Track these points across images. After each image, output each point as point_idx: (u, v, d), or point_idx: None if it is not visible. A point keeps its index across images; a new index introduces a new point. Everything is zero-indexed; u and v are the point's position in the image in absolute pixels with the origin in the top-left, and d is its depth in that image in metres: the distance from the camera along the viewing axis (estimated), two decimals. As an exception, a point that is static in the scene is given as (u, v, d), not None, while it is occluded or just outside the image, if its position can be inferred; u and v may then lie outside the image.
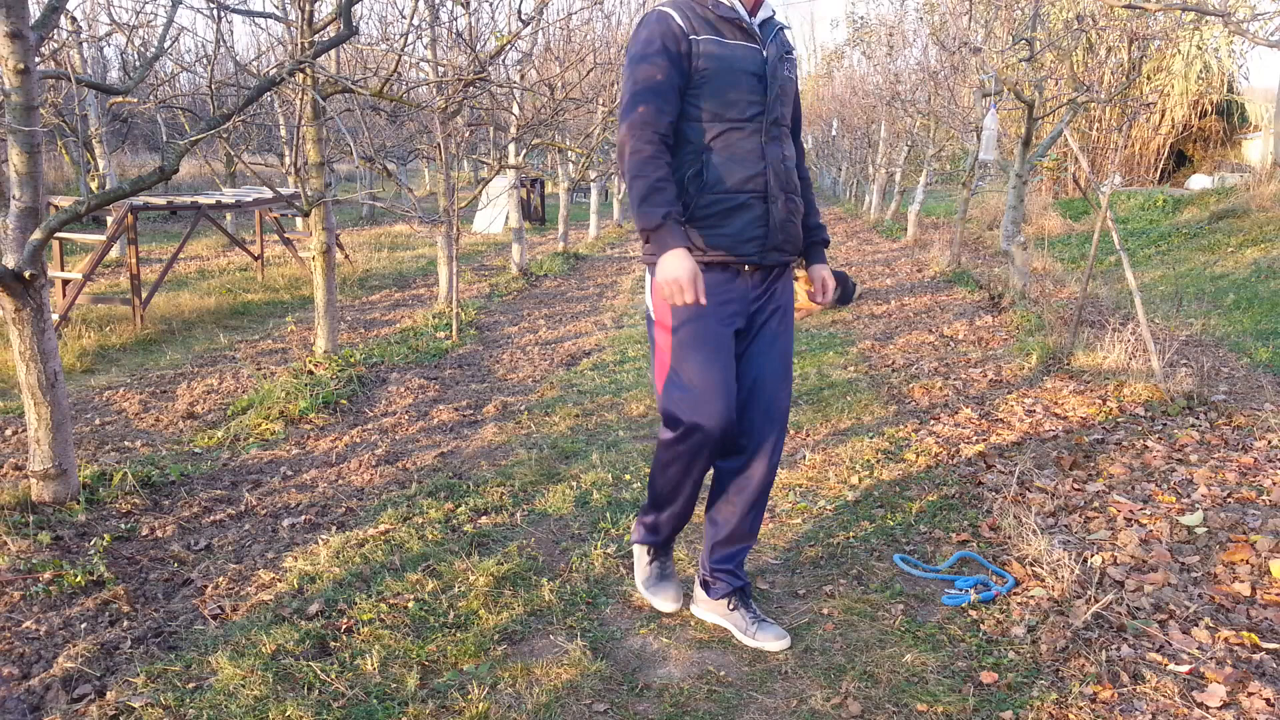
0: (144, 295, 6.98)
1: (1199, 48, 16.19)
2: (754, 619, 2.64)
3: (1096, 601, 2.67)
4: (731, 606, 2.67)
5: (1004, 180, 11.58)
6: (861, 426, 4.56)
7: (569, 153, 11.55)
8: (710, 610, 2.71)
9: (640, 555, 2.84)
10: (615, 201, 17.59)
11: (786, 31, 2.60)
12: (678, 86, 2.37)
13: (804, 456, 4.14)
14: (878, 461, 4.04)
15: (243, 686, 2.35)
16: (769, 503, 3.66)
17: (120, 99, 4.43)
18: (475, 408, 4.95)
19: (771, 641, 2.60)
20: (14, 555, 3.00)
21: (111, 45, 12.96)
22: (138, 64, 4.82)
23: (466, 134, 7.54)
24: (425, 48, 7.01)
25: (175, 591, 2.94)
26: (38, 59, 3.25)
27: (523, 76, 9.03)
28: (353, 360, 5.60)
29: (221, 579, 2.99)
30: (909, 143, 14.52)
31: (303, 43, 4.78)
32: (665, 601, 2.78)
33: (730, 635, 2.66)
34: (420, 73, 8.04)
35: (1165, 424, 4.28)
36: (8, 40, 3.05)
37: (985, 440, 4.22)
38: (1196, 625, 2.57)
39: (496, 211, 14.60)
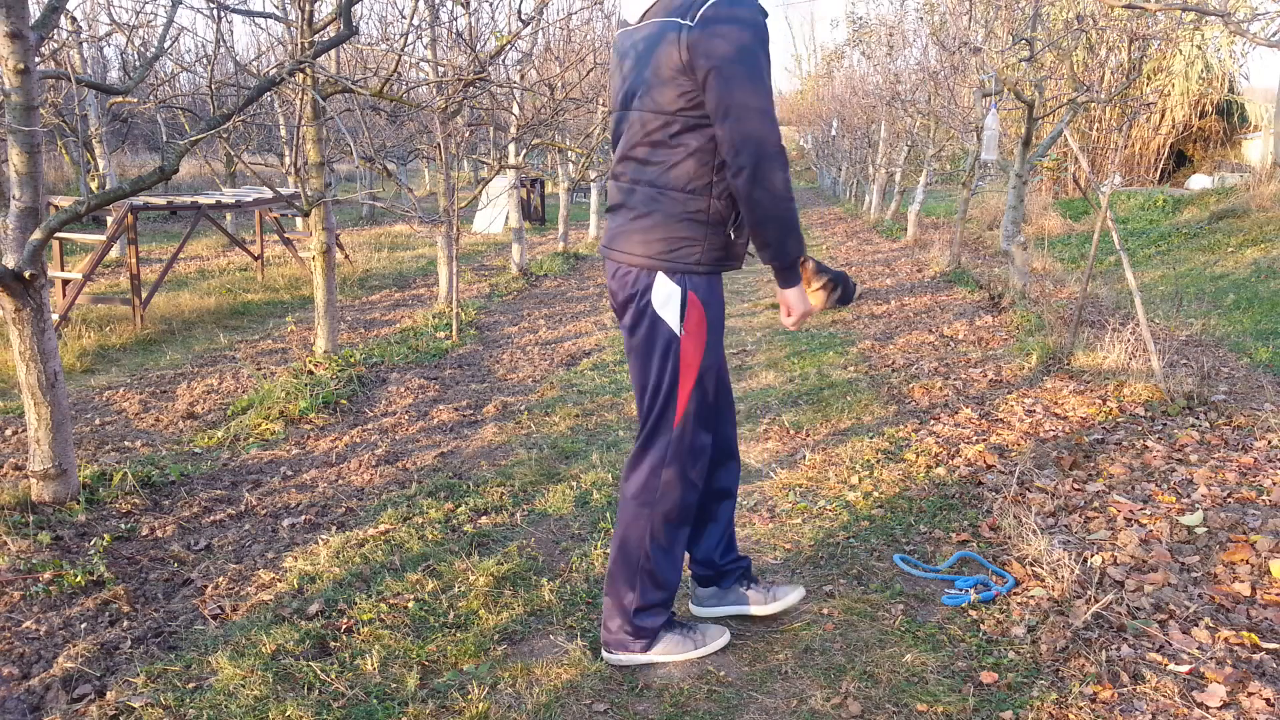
0: (144, 295, 6.98)
1: (1199, 48, 16.19)
2: (766, 587, 2.69)
3: (1096, 601, 2.67)
4: (746, 587, 2.70)
5: (1004, 180, 11.60)
6: (861, 426, 4.56)
7: (569, 153, 11.55)
8: (723, 601, 2.70)
9: (667, 643, 2.52)
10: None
11: None
12: None
13: (804, 456, 4.14)
14: (878, 461, 4.04)
15: (243, 686, 2.35)
16: (770, 503, 3.67)
17: (120, 99, 4.43)
18: (475, 408, 4.95)
19: (792, 594, 2.68)
20: (14, 555, 3.00)
21: (111, 45, 12.97)
22: (138, 64, 4.82)
23: (466, 134, 7.54)
24: (425, 48, 7.01)
25: (175, 591, 2.94)
26: (38, 59, 3.25)
27: (523, 76, 9.03)
28: (353, 360, 5.60)
29: (221, 579, 2.99)
30: (909, 143, 14.51)
31: (303, 43, 4.78)
32: (722, 637, 2.61)
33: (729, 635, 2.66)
34: (420, 73, 8.04)
35: (1165, 424, 4.27)
36: (8, 40, 3.05)
37: (985, 440, 4.22)
38: (1196, 625, 2.57)
39: (496, 211, 14.59)
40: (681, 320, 2.28)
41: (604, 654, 2.52)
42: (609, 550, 2.52)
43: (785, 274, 2.33)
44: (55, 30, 4.85)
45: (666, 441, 2.37)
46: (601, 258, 2.52)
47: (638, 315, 2.33)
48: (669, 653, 2.51)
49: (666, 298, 2.28)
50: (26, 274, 3.17)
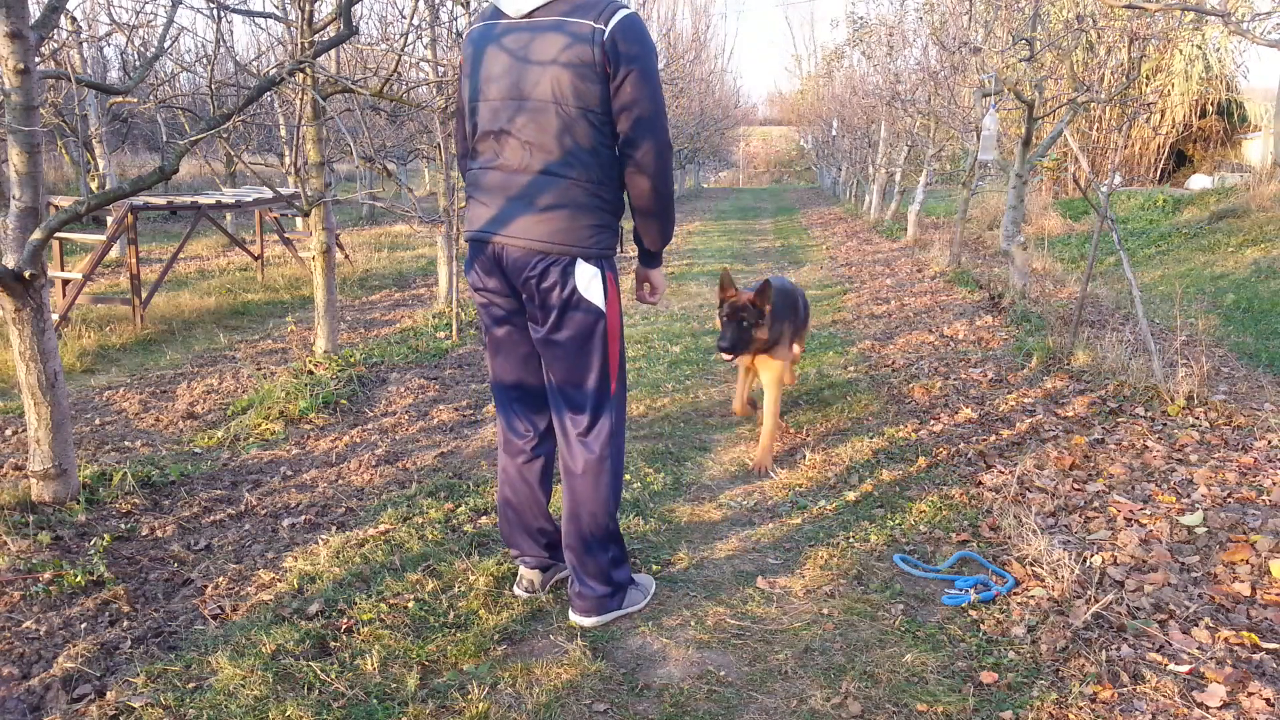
0: (144, 295, 6.98)
1: (1199, 48, 16.19)
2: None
3: (1096, 601, 2.67)
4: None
5: (1004, 180, 11.59)
6: (861, 426, 4.56)
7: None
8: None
9: (630, 595, 2.78)
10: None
11: None
12: None
13: (804, 456, 4.14)
14: (878, 461, 4.04)
15: (243, 686, 2.35)
16: (770, 503, 3.66)
17: (120, 99, 4.43)
18: (475, 408, 4.95)
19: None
20: (14, 555, 3.00)
21: (111, 45, 12.96)
22: (138, 64, 4.82)
23: (466, 134, 7.53)
24: (425, 48, 7.01)
25: (175, 591, 2.94)
26: (38, 59, 3.25)
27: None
28: (353, 360, 5.60)
29: (221, 579, 2.99)
30: (909, 143, 14.50)
31: (303, 43, 4.78)
32: (653, 585, 2.92)
33: (729, 635, 2.66)
34: (420, 73, 8.03)
35: (1165, 424, 4.27)
36: (8, 40, 3.05)
37: (985, 440, 4.22)
38: (1196, 625, 2.57)
39: (496, 211, 14.55)
40: (605, 297, 2.50)
41: (579, 620, 2.70)
42: (569, 526, 2.67)
43: (660, 256, 2.73)
44: (55, 30, 4.85)
45: (610, 409, 2.59)
46: (482, 244, 2.53)
47: (563, 305, 2.47)
48: (632, 604, 2.76)
49: (589, 281, 2.47)
50: (26, 274, 3.17)
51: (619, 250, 2.62)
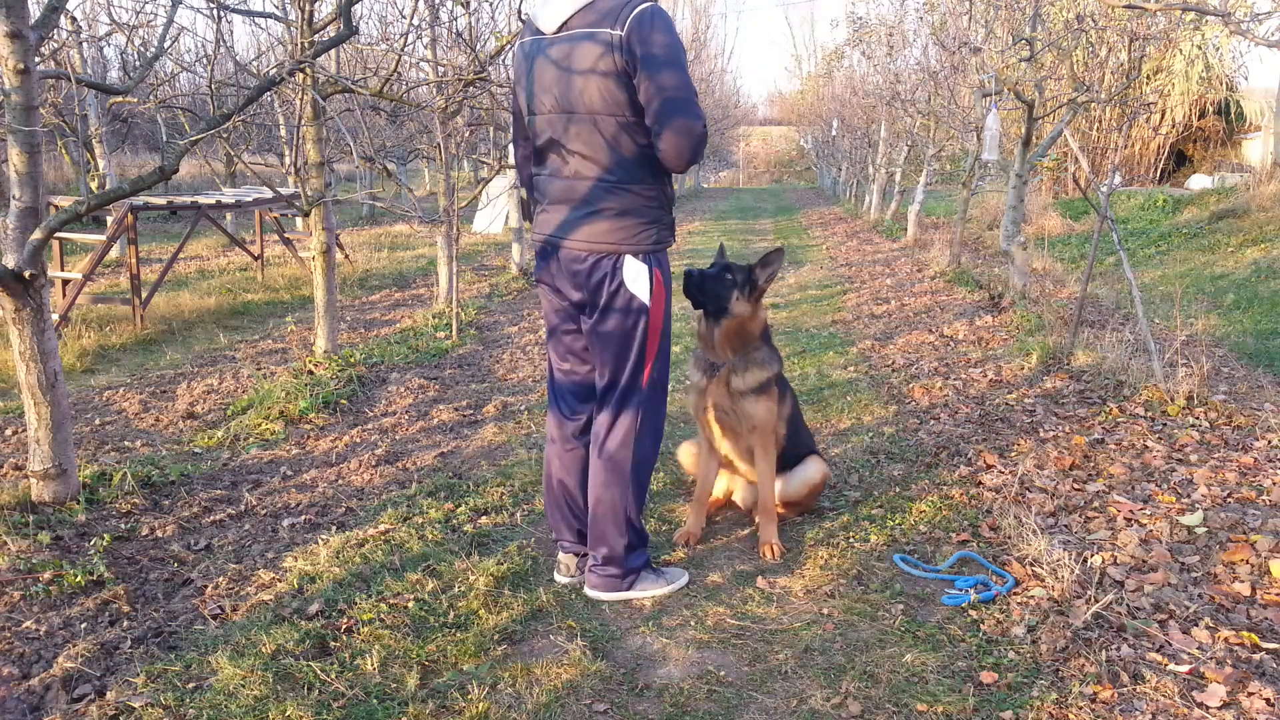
0: (144, 295, 6.98)
1: (1199, 48, 16.18)
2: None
3: (1096, 601, 2.67)
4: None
5: (1004, 180, 11.58)
6: (861, 426, 4.56)
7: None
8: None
9: (644, 581, 2.87)
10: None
11: None
12: None
13: (804, 456, 4.13)
14: (878, 461, 4.04)
15: (243, 686, 2.35)
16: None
17: (120, 99, 4.43)
18: (475, 408, 4.95)
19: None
20: (14, 555, 3.00)
21: (111, 45, 12.94)
22: (138, 64, 4.82)
23: (466, 134, 7.53)
24: (425, 48, 7.01)
25: (175, 591, 2.94)
26: (38, 59, 3.25)
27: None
28: (353, 360, 5.59)
29: (221, 579, 2.99)
30: (909, 143, 14.49)
31: (303, 43, 4.78)
32: (683, 578, 2.96)
33: (729, 635, 2.66)
34: (420, 73, 8.03)
35: (1165, 424, 4.27)
36: (8, 40, 3.05)
37: (985, 440, 4.22)
38: (1196, 625, 2.57)
39: (496, 211, 14.52)
40: (650, 292, 2.64)
41: (588, 591, 2.86)
42: (589, 506, 2.82)
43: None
44: (55, 30, 4.85)
45: (639, 399, 2.71)
46: (546, 247, 2.75)
47: (610, 295, 2.62)
48: (646, 589, 2.85)
49: (636, 275, 2.62)
50: (26, 274, 3.17)
51: (673, 243, 2.77)
